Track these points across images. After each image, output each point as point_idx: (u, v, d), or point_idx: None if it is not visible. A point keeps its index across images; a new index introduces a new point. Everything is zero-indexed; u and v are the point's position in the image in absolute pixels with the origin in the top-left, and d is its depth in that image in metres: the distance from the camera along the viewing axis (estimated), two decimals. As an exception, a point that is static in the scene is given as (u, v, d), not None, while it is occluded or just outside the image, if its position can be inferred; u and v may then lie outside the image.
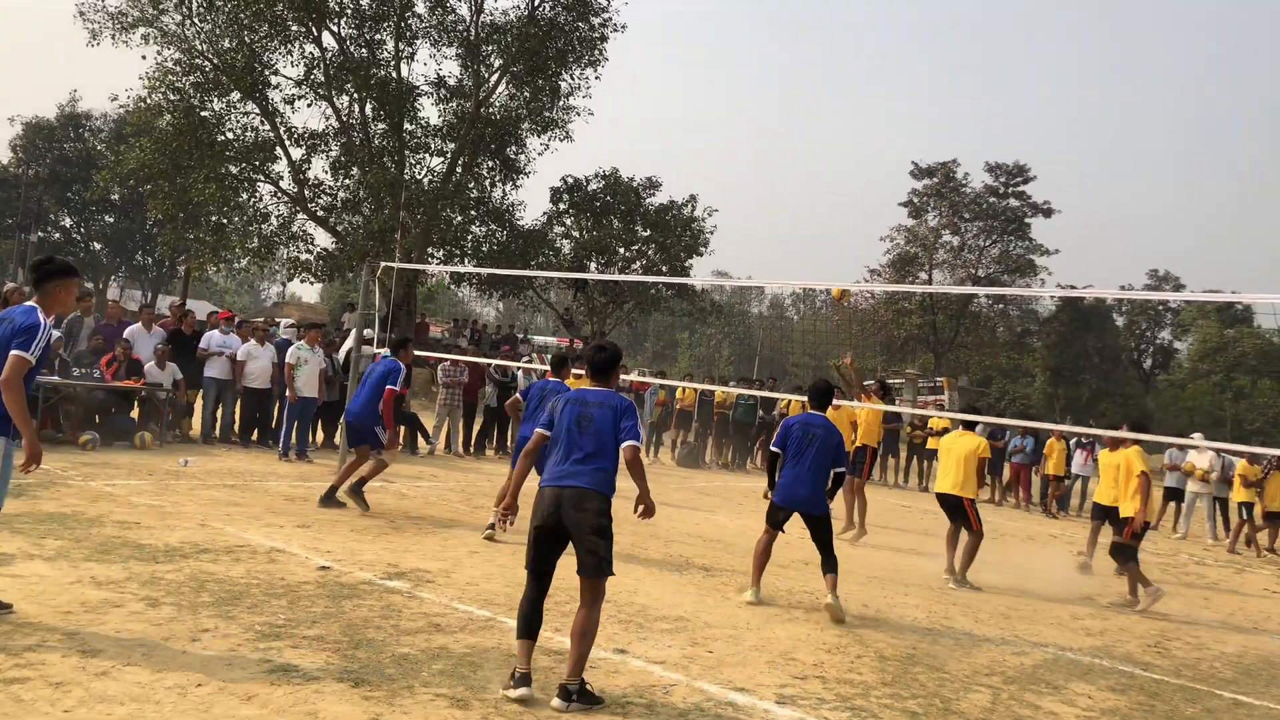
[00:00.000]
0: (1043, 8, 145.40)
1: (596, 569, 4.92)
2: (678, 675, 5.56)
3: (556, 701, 4.75)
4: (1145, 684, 6.66)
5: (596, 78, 30.86)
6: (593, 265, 31.42)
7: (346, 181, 29.01)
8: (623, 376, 20.89)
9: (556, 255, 31.31)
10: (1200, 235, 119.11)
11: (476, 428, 17.56)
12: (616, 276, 28.08)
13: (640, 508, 5.19)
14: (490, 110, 29.58)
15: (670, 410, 21.15)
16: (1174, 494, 18.35)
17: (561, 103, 30.13)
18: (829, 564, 7.73)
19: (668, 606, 7.24)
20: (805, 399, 8.62)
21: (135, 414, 13.21)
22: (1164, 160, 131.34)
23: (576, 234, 31.99)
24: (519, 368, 17.98)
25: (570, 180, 31.22)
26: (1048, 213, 47.62)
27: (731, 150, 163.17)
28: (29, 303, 5.24)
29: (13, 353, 4.95)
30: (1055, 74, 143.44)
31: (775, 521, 8.05)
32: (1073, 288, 40.80)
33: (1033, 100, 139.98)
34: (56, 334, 11.95)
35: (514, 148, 30.23)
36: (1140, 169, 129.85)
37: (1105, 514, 10.71)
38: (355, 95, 28.30)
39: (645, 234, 31.83)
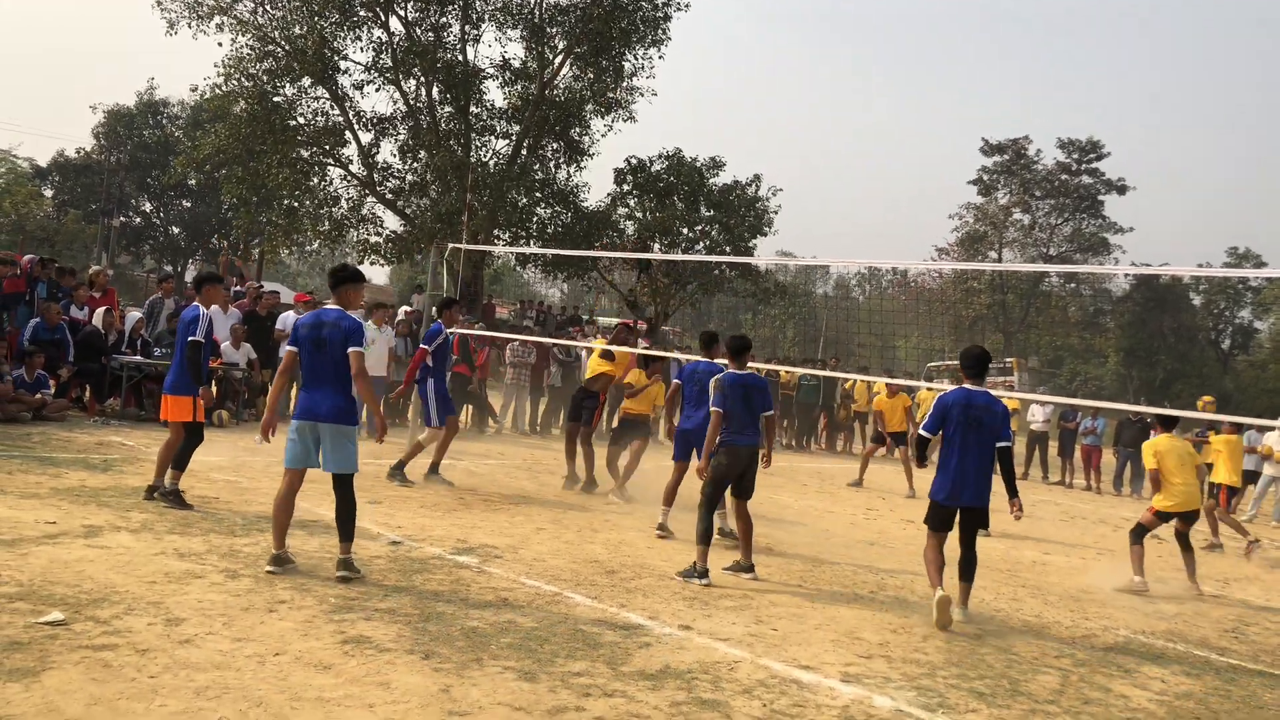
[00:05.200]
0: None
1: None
2: (743, 652, 5.59)
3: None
4: (1221, 669, 6.52)
5: (660, 57, 30.65)
6: (656, 246, 31.37)
7: (414, 164, 29.36)
8: (686, 356, 20.95)
9: (620, 236, 31.31)
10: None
11: (542, 407, 17.72)
12: (680, 256, 27.99)
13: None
14: (554, 92, 29.64)
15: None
16: (1251, 477, 17.82)
17: (625, 83, 30.09)
18: (966, 568, 7.08)
19: (732, 584, 7.27)
20: (887, 381, 8.40)
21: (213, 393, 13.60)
22: (1243, 133, 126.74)
23: (640, 215, 31.93)
24: (584, 348, 18.10)
25: (634, 161, 31.13)
26: (1122, 189, 46.38)
27: (797, 129, 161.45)
28: (334, 305, 6.47)
29: (352, 350, 6.17)
30: (1129, 46, 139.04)
31: (939, 524, 7.09)
32: (1148, 266, 39.65)
33: (1106, 74, 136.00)
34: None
35: (578, 129, 30.27)
36: (1218, 143, 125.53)
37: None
38: (422, 79, 28.59)
39: (709, 214, 31.66)
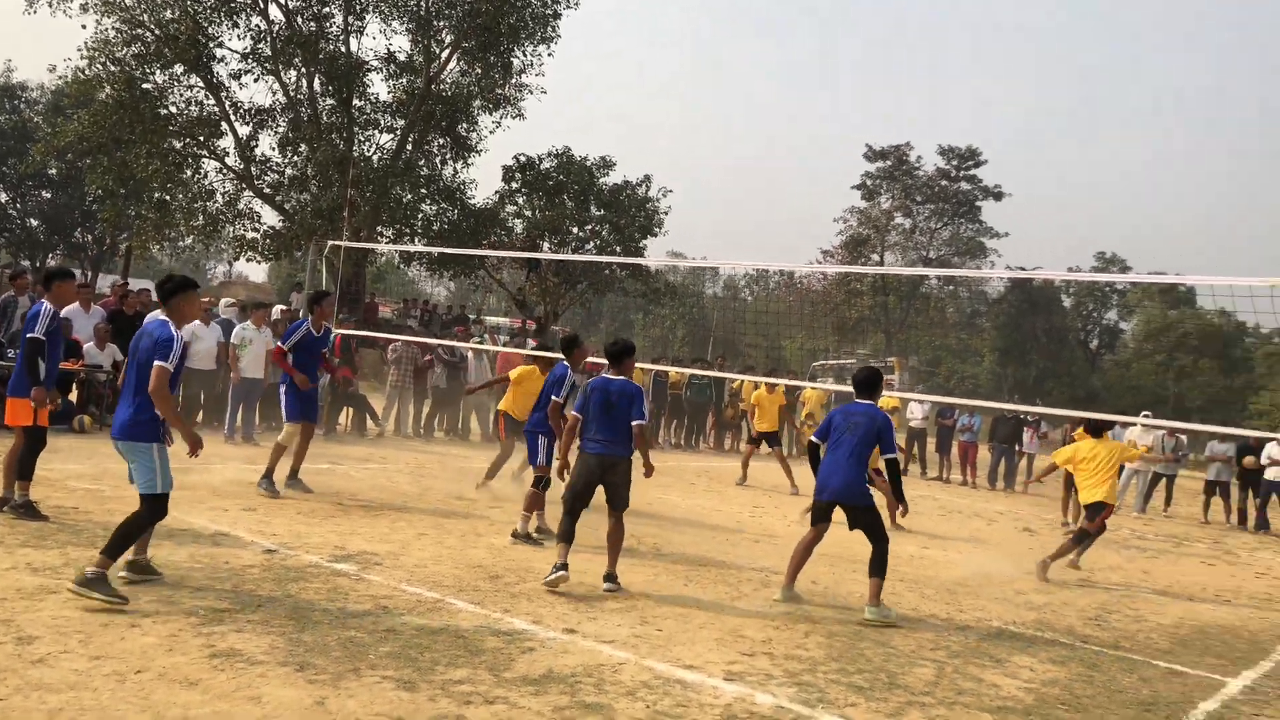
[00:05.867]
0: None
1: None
2: (627, 654, 5.58)
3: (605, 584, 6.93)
4: (1085, 655, 6.80)
5: (550, 55, 30.65)
6: (546, 245, 31.23)
7: (294, 158, 28.55)
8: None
9: (509, 235, 31.08)
10: (1146, 219, 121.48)
11: (426, 409, 17.42)
12: (570, 256, 27.92)
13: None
14: (441, 87, 29.22)
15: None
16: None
17: (513, 80, 29.87)
18: (873, 563, 7.23)
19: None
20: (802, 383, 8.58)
21: (74, 396, 12.90)
22: (1112, 144, 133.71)
23: (529, 213, 31.77)
24: (469, 349, 17.85)
25: (523, 159, 30.94)
26: (998, 196, 48.31)
27: (686, 132, 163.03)
28: (160, 316, 6.11)
29: (156, 363, 5.73)
30: (1006, 57, 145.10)
31: (816, 516, 7.56)
32: (1022, 269, 41.38)
33: (985, 82, 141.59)
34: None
35: (465, 125, 29.92)
36: (1088, 153, 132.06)
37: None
38: (303, 70, 27.82)
39: (599, 214, 31.70)
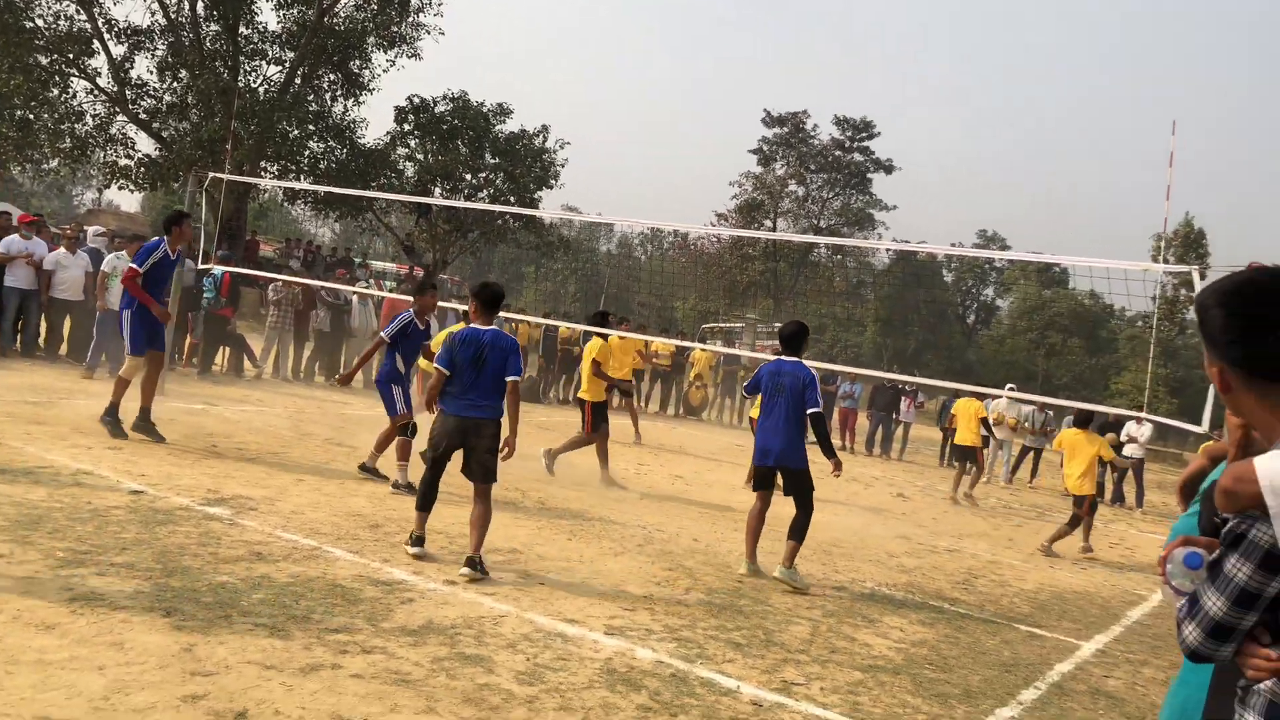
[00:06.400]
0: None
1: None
2: (508, 606, 5.54)
3: (464, 569, 5.99)
4: (952, 618, 7.07)
5: (450, -5, 29.72)
6: (437, 191, 30.53)
7: (174, 84, 27.08)
8: (464, 308, 20.54)
9: (399, 178, 30.25)
10: (1027, 200, 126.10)
11: (307, 353, 16.92)
12: (462, 204, 27.31)
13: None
14: (335, 20, 28.08)
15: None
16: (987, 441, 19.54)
17: (411, 19, 28.92)
18: (795, 528, 7.19)
19: (502, 539, 7.17)
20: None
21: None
22: (996, 127, 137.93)
23: (421, 157, 30.96)
24: (355, 292, 17.37)
25: (417, 100, 30.05)
26: (889, 169, 49.22)
27: (588, 86, 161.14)
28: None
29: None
30: (903, 33, 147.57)
31: (758, 482, 7.51)
32: (907, 243, 42.52)
33: (881, 57, 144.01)
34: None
35: (358, 62, 28.86)
36: (976, 134, 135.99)
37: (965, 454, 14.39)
38: (186, -10, 26.32)
39: (494, 162, 31.11)
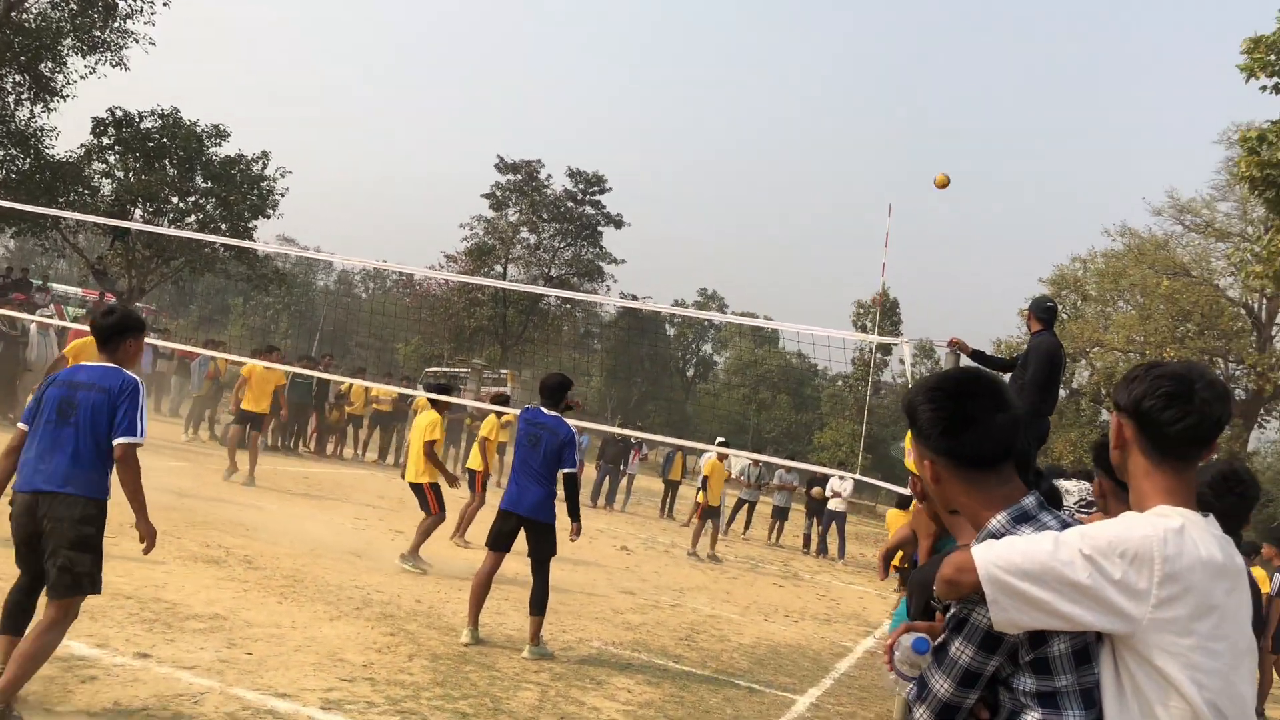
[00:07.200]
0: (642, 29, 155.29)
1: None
2: (211, 681, 4.98)
3: None
4: (677, 676, 7.10)
5: (165, 4, 27.49)
6: (138, 212, 28.05)
7: None
8: (166, 344, 18.84)
9: (93, 195, 27.54)
10: (743, 264, 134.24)
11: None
12: (168, 230, 25.19)
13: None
14: (24, 17, 25.32)
15: (218, 384, 19.46)
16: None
17: (116, 24, 26.60)
18: (535, 600, 6.89)
19: (202, 604, 6.49)
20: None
21: None
22: (718, 195, 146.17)
23: (121, 174, 28.38)
24: (34, 321, 15.45)
25: (119, 113, 27.55)
26: (619, 224, 50.62)
27: (315, 114, 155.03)
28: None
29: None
30: (637, 95, 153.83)
31: (497, 540, 7.07)
32: (634, 298, 43.86)
33: (615, 115, 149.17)
34: None
35: (50, 64, 26.12)
36: (699, 201, 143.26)
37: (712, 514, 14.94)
38: None
39: (205, 185, 29.05)
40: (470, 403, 17.74)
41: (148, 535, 4.36)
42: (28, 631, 4.19)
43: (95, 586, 4.25)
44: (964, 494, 2.01)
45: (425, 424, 10.11)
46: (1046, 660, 1.85)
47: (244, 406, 13.75)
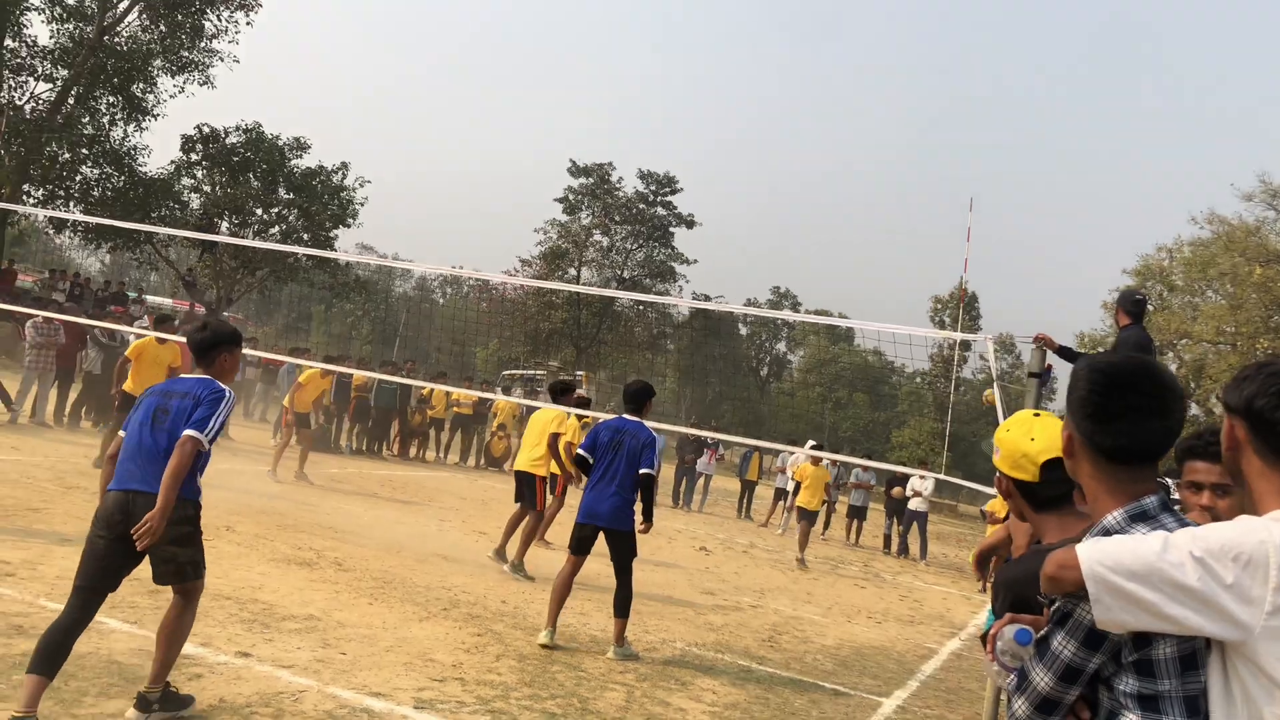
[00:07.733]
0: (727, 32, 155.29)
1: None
2: (308, 680, 5.13)
3: (131, 713, 4.25)
4: (761, 678, 7.10)
5: (248, 23, 28.39)
6: (224, 225, 28.95)
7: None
8: (254, 353, 19.37)
9: (183, 210, 28.52)
10: (819, 261, 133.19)
11: (73, 396, 15.46)
12: (253, 242, 25.97)
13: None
14: (117, 40, 26.33)
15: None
16: (781, 494, 20.15)
17: (203, 44, 27.52)
18: (619, 603, 6.97)
19: (297, 605, 6.69)
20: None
21: None
22: (791, 195, 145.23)
23: (208, 188, 29.35)
24: (132, 332, 16.04)
25: (206, 129, 28.52)
26: (690, 224, 50.68)
27: (390, 124, 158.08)
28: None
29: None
30: (708, 95, 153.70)
31: (578, 545, 7.13)
32: (706, 298, 43.79)
33: (688, 117, 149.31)
34: None
35: (142, 85, 27.13)
36: (773, 198, 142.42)
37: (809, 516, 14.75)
38: (-58, -6, 24.04)
39: (288, 197, 29.86)
40: (558, 406, 17.90)
41: (152, 520, 4.10)
42: (163, 619, 4.38)
43: (198, 572, 4.40)
44: (1091, 477, 1.98)
45: (553, 415, 9.95)
46: (1150, 663, 1.81)
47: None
